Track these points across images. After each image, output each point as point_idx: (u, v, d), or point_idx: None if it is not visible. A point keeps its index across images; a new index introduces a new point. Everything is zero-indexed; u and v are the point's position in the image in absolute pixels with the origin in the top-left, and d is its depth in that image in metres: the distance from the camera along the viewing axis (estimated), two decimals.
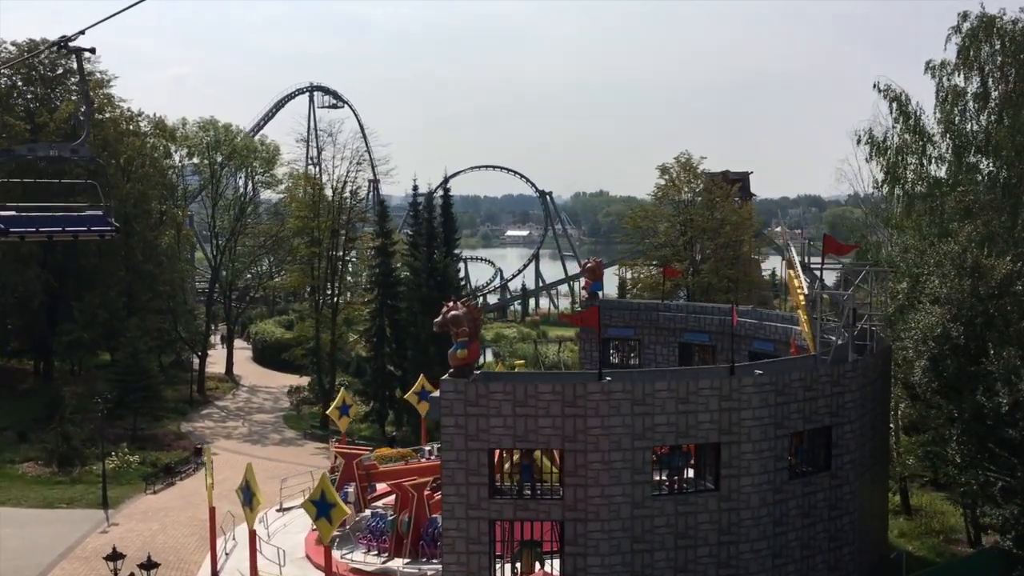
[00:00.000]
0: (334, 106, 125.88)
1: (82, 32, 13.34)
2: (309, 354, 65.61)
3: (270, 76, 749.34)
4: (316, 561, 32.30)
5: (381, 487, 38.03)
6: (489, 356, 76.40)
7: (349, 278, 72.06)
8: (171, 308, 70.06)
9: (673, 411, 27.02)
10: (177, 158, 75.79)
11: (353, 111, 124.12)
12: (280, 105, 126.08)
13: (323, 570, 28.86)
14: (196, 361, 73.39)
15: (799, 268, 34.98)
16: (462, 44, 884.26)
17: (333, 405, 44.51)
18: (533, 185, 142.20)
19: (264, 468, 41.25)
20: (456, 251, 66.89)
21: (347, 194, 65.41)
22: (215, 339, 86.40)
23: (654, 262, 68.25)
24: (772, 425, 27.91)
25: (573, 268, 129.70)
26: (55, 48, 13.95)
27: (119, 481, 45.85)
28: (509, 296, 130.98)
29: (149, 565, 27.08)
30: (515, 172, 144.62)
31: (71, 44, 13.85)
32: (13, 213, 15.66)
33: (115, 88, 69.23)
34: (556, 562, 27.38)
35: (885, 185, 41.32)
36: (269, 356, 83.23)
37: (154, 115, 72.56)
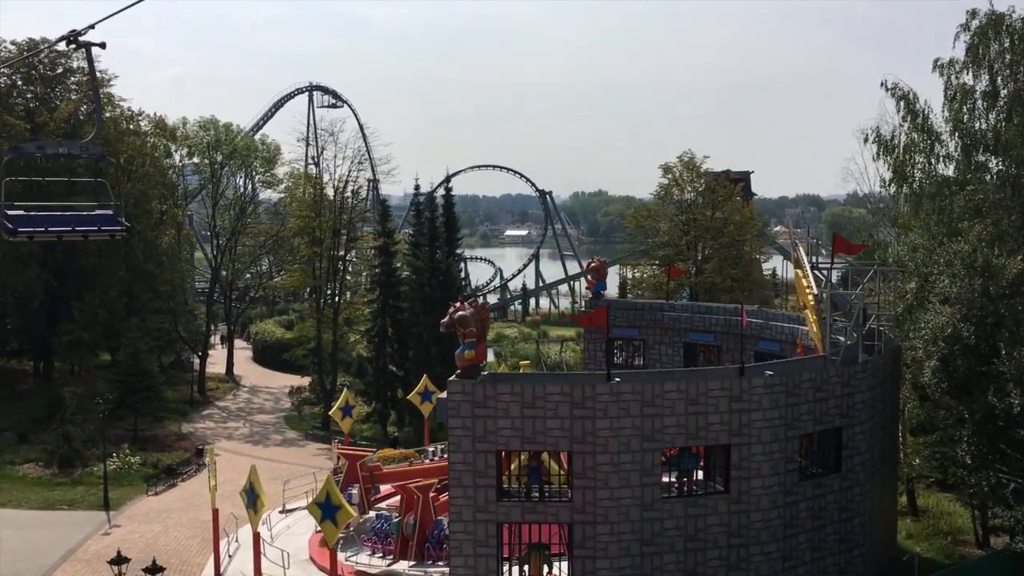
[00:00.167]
0: (333, 106, 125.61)
1: (92, 27, 12.95)
2: (311, 354, 65.30)
3: (270, 76, 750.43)
4: (320, 563, 32.05)
5: (385, 488, 37.75)
6: (490, 356, 76.00)
7: (349, 278, 71.70)
8: (171, 308, 69.70)
9: (683, 412, 26.77)
10: (177, 158, 75.47)
11: (352, 111, 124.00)
12: (279, 105, 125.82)
13: (328, 573, 28.56)
14: (196, 361, 73.05)
15: (808, 267, 34.70)
16: (462, 44, 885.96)
17: (336, 406, 44.20)
18: (533, 185, 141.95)
19: (266, 469, 40.91)
20: (458, 251, 66.63)
21: (348, 194, 65.18)
22: (215, 339, 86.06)
23: (655, 262, 68.00)
24: (783, 426, 27.65)
25: (573, 268, 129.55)
26: (65, 42, 13.46)
27: (120, 482, 45.50)
28: (509, 296, 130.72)
29: (154, 569, 26.69)
30: (515, 172, 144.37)
31: (81, 39, 13.42)
32: (22, 212, 15.23)
33: (115, 87, 69.06)
34: (564, 565, 27.12)
35: (892, 184, 41.03)
36: (269, 356, 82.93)
37: (154, 114, 72.39)
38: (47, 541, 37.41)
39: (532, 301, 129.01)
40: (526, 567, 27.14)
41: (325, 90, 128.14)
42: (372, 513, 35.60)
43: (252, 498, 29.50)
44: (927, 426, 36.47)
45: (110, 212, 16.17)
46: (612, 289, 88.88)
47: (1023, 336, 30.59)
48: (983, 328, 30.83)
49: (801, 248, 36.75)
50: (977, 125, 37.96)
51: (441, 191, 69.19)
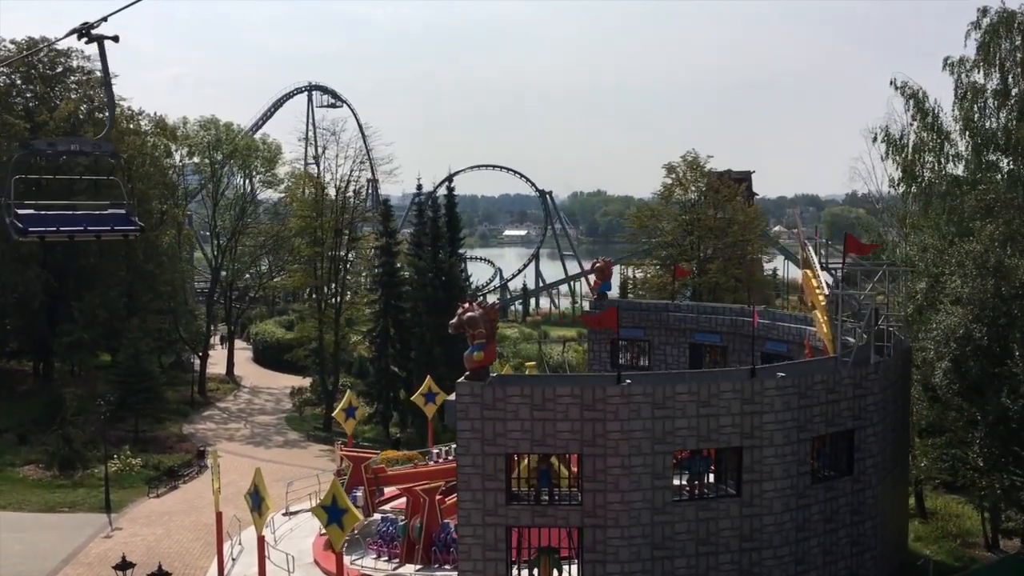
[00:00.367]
0: (332, 105, 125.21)
1: (104, 19, 12.45)
2: (312, 355, 64.90)
3: (270, 76, 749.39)
4: (325, 567, 31.66)
5: (389, 491, 37.39)
6: None
7: (350, 278, 71.27)
8: (172, 308, 69.27)
9: (694, 415, 26.43)
10: (177, 157, 74.96)
11: (352, 110, 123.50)
12: (279, 104, 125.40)
13: None
14: (196, 362, 72.63)
15: (817, 268, 34.35)
16: (462, 44, 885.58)
17: (339, 407, 43.80)
18: (533, 185, 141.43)
19: (268, 471, 40.32)
20: (460, 251, 66.21)
21: (350, 193, 64.78)
22: (215, 339, 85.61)
23: (656, 262, 67.65)
24: (795, 429, 27.32)
25: (573, 268, 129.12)
26: (76, 36, 12.89)
27: (121, 484, 45.10)
28: (509, 296, 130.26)
29: (160, 574, 26.28)
30: (515, 172, 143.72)
31: (93, 32, 12.89)
32: (32, 212, 14.69)
33: (115, 87, 68.12)
34: (574, 569, 26.78)
35: (901, 184, 40.66)
36: (269, 357, 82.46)
37: (154, 114, 71.88)
38: (48, 544, 37.03)
39: (532, 301, 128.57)
40: (535, 571, 26.80)
41: (324, 90, 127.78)
42: (377, 516, 35.26)
43: (257, 501, 29.09)
44: (936, 428, 36.13)
45: (123, 211, 15.54)
46: (614, 290, 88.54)
47: None
48: (995, 329, 30.50)
49: (810, 247, 36.40)
50: (988, 124, 37.57)
51: (442, 190, 68.80)
